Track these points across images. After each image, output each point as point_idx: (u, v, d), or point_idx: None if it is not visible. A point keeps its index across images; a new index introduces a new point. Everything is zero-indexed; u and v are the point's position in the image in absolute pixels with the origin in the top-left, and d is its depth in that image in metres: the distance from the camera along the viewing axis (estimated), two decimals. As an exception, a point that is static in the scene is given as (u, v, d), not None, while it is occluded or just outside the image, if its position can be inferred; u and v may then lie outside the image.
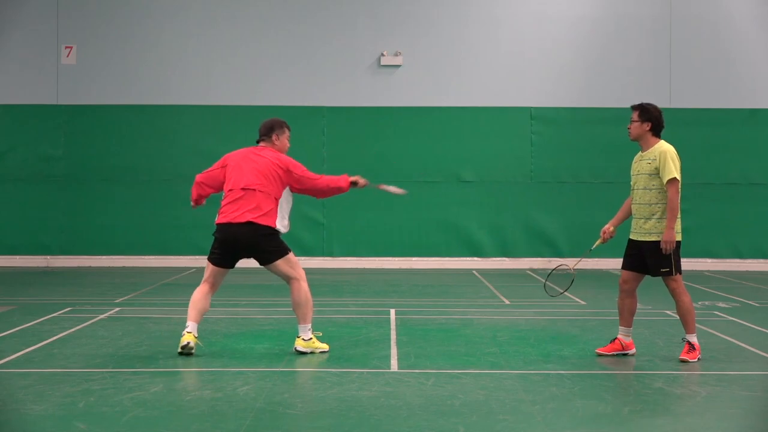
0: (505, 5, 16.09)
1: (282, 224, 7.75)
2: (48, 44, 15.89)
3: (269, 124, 7.85)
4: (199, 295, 7.59)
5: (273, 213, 7.57)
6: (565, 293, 8.41)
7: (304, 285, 7.63)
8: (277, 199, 7.62)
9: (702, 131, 15.78)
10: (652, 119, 7.50)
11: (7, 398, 6.09)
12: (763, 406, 6.11)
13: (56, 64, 15.90)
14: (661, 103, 8.68)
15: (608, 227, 7.74)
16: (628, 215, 7.70)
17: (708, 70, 16.02)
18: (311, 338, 7.68)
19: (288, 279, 7.65)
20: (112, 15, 16.01)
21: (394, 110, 15.96)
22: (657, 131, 7.54)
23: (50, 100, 15.90)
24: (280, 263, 7.57)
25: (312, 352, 7.66)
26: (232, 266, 7.69)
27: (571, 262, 8.24)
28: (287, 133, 7.88)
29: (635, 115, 7.56)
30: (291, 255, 7.66)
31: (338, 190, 7.79)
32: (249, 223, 7.46)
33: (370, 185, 7.97)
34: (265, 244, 7.52)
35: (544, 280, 7.98)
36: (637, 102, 7.79)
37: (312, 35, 16.04)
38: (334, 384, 6.55)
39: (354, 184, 7.83)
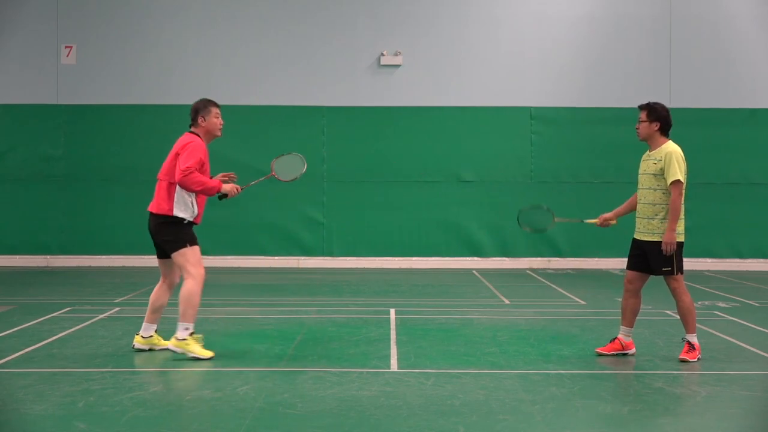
0: (505, 5, 16.08)
1: (187, 213, 7.44)
2: (48, 44, 15.88)
3: (194, 108, 7.78)
4: (153, 292, 7.79)
5: (169, 200, 7.44)
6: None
7: (193, 284, 7.41)
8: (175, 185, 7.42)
9: (702, 131, 15.76)
10: (661, 119, 7.44)
11: (7, 398, 6.09)
12: (763, 406, 6.11)
13: (56, 64, 15.89)
14: (661, 103, 8.66)
15: (609, 215, 7.81)
16: (631, 209, 7.71)
17: (708, 70, 16.02)
18: (185, 339, 7.49)
19: (183, 273, 7.51)
20: (112, 15, 16.00)
21: (394, 110, 15.94)
22: (665, 131, 7.49)
23: (50, 100, 15.89)
24: (176, 256, 7.45)
25: (184, 354, 7.45)
26: (167, 256, 7.59)
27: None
28: (213, 110, 7.73)
29: (643, 115, 7.48)
30: (188, 249, 7.43)
31: (207, 189, 7.40)
32: (150, 213, 7.56)
33: (242, 188, 7.66)
34: (162, 233, 7.49)
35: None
36: (639, 102, 7.75)
37: (312, 35, 16.03)
38: (334, 384, 6.55)
39: (224, 195, 7.56)
